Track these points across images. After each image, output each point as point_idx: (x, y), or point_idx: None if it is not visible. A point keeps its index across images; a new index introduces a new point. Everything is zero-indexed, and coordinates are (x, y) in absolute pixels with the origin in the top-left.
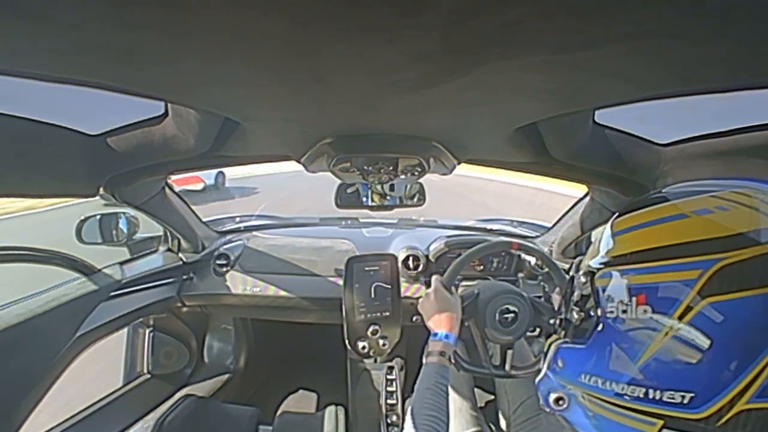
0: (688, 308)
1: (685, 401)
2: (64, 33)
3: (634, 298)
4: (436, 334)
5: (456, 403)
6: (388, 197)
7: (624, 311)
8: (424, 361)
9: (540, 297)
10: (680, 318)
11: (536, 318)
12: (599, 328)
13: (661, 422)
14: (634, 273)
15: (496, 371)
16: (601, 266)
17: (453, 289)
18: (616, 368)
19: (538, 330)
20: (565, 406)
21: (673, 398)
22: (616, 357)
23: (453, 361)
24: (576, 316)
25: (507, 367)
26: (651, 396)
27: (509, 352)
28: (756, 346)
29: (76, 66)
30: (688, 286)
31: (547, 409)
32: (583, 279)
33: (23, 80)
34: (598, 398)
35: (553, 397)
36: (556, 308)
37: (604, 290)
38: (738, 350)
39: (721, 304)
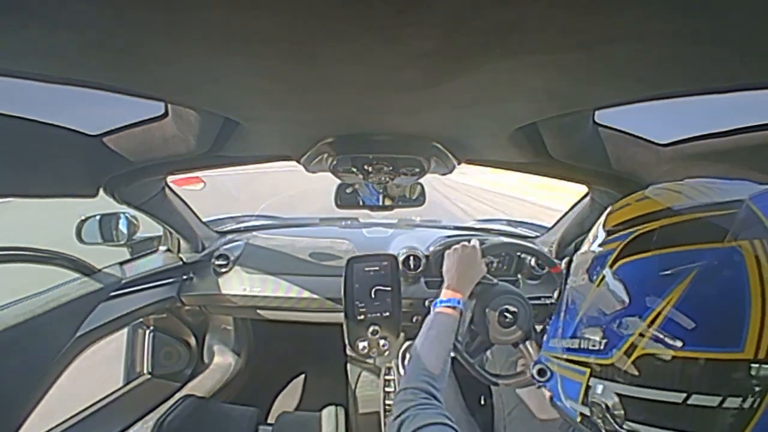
0: (608, 271)
1: (601, 347)
2: (64, 33)
3: (580, 271)
4: (449, 300)
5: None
6: (399, 200)
7: (575, 282)
8: (433, 310)
9: (543, 311)
10: (602, 279)
11: (525, 338)
12: (564, 300)
13: (588, 370)
14: (583, 253)
15: (465, 356)
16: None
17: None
18: (566, 327)
19: (516, 353)
20: (547, 377)
21: (594, 346)
22: (566, 319)
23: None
24: (556, 295)
25: (478, 361)
26: (581, 346)
27: (486, 350)
28: (651, 298)
29: (76, 66)
30: (610, 254)
31: (535, 384)
32: (564, 266)
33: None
34: (556, 357)
35: (536, 368)
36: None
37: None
38: (637, 302)
39: (627, 264)
